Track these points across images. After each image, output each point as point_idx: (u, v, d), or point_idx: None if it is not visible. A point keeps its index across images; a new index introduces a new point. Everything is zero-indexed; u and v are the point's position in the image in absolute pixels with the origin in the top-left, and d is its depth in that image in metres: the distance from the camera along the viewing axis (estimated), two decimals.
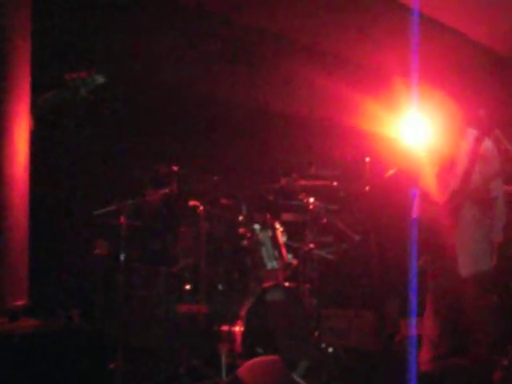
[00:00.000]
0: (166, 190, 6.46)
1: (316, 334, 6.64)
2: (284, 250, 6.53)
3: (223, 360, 5.75)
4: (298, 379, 5.44)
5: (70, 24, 6.53)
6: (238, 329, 5.93)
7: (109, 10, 6.61)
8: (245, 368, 4.76)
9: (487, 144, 5.44)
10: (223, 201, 6.79)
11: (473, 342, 5.55)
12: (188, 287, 6.23)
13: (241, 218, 6.63)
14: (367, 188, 8.13)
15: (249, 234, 6.48)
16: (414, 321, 6.93)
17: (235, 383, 4.63)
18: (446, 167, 5.54)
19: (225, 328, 6.03)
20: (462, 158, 5.45)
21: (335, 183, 7.37)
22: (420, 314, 6.20)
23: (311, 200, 6.99)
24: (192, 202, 6.45)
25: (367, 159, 8.31)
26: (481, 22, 7.37)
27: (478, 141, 5.36)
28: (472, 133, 5.47)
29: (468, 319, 5.56)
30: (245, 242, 6.48)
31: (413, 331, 7.03)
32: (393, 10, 7.09)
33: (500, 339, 5.83)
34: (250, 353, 5.65)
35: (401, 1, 6.96)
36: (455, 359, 5.71)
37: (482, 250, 5.51)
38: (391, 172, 6.06)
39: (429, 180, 5.60)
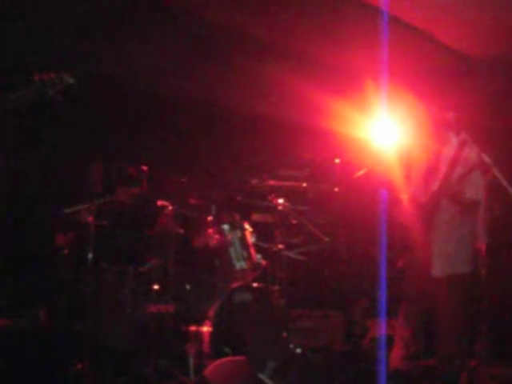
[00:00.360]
0: (135, 190, 6.42)
1: (284, 334, 6.63)
2: (253, 251, 6.51)
3: (191, 360, 5.72)
4: (265, 380, 5.42)
5: (40, 24, 6.49)
6: (205, 329, 5.90)
7: (77, 8, 6.56)
8: (212, 369, 4.74)
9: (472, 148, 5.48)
10: (192, 201, 6.75)
11: (442, 343, 5.57)
12: (156, 287, 6.19)
13: (210, 218, 6.60)
14: (337, 189, 8.15)
15: (218, 235, 6.45)
16: (382, 321, 6.96)
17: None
18: (429, 170, 5.58)
19: (193, 328, 6.00)
20: (444, 161, 5.49)
21: (305, 184, 7.37)
22: (389, 315, 6.23)
23: (280, 201, 6.98)
24: (161, 202, 6.41)
25: (337, 160, 8.33)
26: (451, 25, 7.40)
27: (462, 145, 5.40)
28: (455, 138, 5.51)
29: (439, 320, 5.58)
30: (214, 243, 6.44)
31: (382, 332, 7.07)
32: (363, 11, 7.10)
33: (468, 341, 5.88)
34: (218, 353, 5.62)
35: (371, 3, 6.97)
36: (425, 360, 5.74)
37: (460, 252, 5.54)
38: (361, 173, 6.08)
39: (398, 180, 5.62)
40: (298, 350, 6.65)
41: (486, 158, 5.02)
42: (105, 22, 6.78)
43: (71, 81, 4.81)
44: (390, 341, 6.47)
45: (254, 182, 7.29)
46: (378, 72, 8.86)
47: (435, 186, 5.49)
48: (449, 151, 5.52)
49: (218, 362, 4.85)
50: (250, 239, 6.57)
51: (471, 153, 5.32)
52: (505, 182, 4.90)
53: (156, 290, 6.19)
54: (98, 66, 6.98)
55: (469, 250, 5.60)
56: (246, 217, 7.19)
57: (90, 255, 5.89)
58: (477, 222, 5.59)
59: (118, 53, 7.05)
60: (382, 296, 6.12)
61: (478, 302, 5.01)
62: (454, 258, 5.53)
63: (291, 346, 6.63)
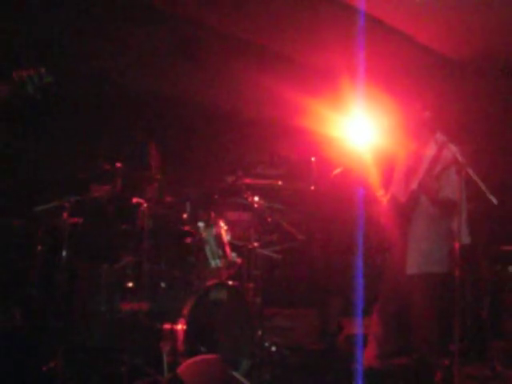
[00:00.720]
0: (110, 187, 6.38)
1: (259, 332, 6.63)
2: (228, 249, 6.49)
3: (165, 358, 5.69)
4: (239, 378, 5.41)
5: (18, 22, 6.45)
6: (180, 327, 5.88)
7: (55, 7, 6.53)
8: (185, 367, 4.72)
9: (452, 148, 5.50)
10: (167, 198, 6.72)
11: (416, 341, 5.59)
12: (130, 285, 6.16)
13: (185, 215, 6.58)
14: (313, 187, 8.16)
15: (193, 232, 6.43)
16: (357, 320, 6.97)
17: (175, 382, 4.58)
18: (409, 169, 5.59)
19: (167, 326, 5.97)
20: (424, 161, 5.51)
21: (280, 182, 7.36)
22: (364, 313, 6.24)
23: (256, 199, 6.97)
24: (135, 199, 6.38)
25: (313, 159, 8.34)
26: (430, 26, 7.44)
27: (442, 147, 5.42)
28: (436, 140, 5.53)
29: (413, 318, 5.60)
30: (188, 240, 6.42)
31: (356, 330, 7.09)
32: (340, 11, 7.11)
33: (442, 340, 5.90)
34: (192, 351, 5.60)
35: (348, 2, 6.98)
36: (399, 358, 5.76)
37: (436, 251, 5.56)
38: (337, 171, 6.08)
39: (375, 179, 5.63)
40: (273, 348, 6.65)
41: (460, 158, 5.04)
42: (88, 21, 6.75)
43: (50, 78, 4.78)
44: (364, 339, 6.49)
45: (230, 179, 7.28)
46: (355, 71, 8.90)
47: (414, 184, 5.50)
48: (430, 151, 5.54)
49: (192, 359, 4.83)
50: (225, 237, 6.55)
51: (447, 152, 5.34)
52: (480, 182, 4.93)
53: (130, 288, 6.16)
54: (78, 63, 6.94)
55: (445, 249, 5.61)
56: (222, 215, 7.18)
57: (64, 253, 5.85)
58: (453, 222, 5.61)
59: (99, 51, 7.02)
60: (359, 294, 6.13)
61: (452, 300, 5.02)
62: (430, 257, 5.55)
63: (266, 344, 6.63)
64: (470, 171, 4.99)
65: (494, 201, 4.84)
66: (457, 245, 5.07)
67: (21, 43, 6.58)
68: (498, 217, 7.08)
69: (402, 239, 5.45)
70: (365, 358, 5.90)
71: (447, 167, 5.36)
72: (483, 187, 4.89)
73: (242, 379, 5.49)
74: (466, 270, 6.87)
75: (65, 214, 5.95)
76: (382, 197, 5.65)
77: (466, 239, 5.79)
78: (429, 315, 5.51)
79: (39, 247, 6.33)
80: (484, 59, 8.21)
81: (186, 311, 5.92)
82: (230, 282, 6.42)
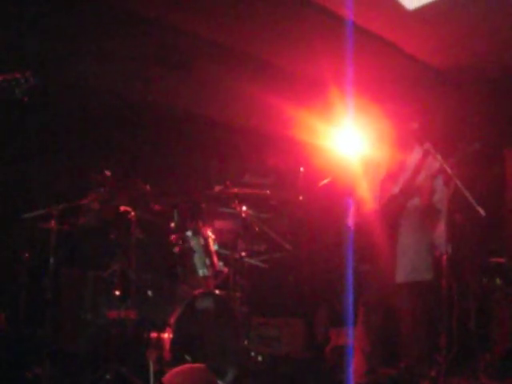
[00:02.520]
0: (98, 195, 6.36)
1: (246, 342, 6.63)
2: (215, 258, 6.49)
3: (151, 367, 5.67)
4: None
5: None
6: (166, 336, 5.87)
7: (41, 12, 6.51)
8: (170, 375, 4.71)
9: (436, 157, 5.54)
10: (155, 207, 6.71)
11: (404, 351, 5.58)
12: (117, 293, 6.14)
13: (173, 224, 6.57)
14: (301, 197, 8.17)
15: (180, 241, 6.42)
16: (345, 330, 6.98)
17: None
18: (388, 177, 5.60)
19: (154, 335, 5.96)
20: (407, 170, 5.52)
21: (268, 192, 7.36)
22: (351, 324, 6.24)
23: (244, 208, 6.98)
24: (123, 208, 6.36)
25: (301, 168, 8.35)
26: (417, 36, 7.46)
27: (426, 155, 5.44)
28: (419, 147, 5.55)
29: (399, 328, 5.59)
30: (176, 249, 6.41)
31: (344, 341, 7.09)
32: (328, 20, 7.12)
33: (429, 350, 5.90)
34: (178, 360, 5.59)
35: (336, 12, 7.00)
36: (385, 369, 5.75)
37: (422, 259, 5.57)
38: (325, 181, 6.09)
39: (363, 189, 5.64)
40: (260, 358, 6.65)
41: (448, 168, 5.05)
42: (67, 26, 6.73)
43: (35, 81, 4.76)
44: (351, 350, 6.49)
45: (218, 188, 7.27)
46: (342, 81, 8.93)
47: (395, 190, 5.50)
48: (412, 160, 5.56)
49: (178, 368, 4.82)
50: (213, 246, 6.55)
51: (434, 162, 5.35)
52: (466, 193, 4.94)
53: (117, 296, 6.14)
54: (60, 69, 6.92)
55: (429, 258, 5.63)
56: (209, 224, 7.17)
57: (51, 260, 5.82)
58: (438, 230, 5.64)
59: (80, 57, 7.00)
60: (347, 304, 6.13)
61: (439, 311, 5.03)
62: (418, 265, 5.55)
63: (252, 353, 6.63)
64: (458, 182, 5.01)
65: (482, 212, 4.86)
66: (444, 256, 5.08)
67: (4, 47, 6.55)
68: (486, 228, 7.11)
69: (389, 248, 5.45)
70: (354, 373, 5.87)
71: (432, 176, 5.36)
72: (471, 198, 4.91)
73: None
74: (453, 281, 6.89)
75: (52, 222, 5.93)
76: (369, 207, 5.64)
77: (447, 249, 5.85)
78: (417, 323, 5.50)
79: (26, 254, 6.32)
80: (473, 69, 8.25)
81: (172, 320, 5.91)
82: (217, 291, 6.42)
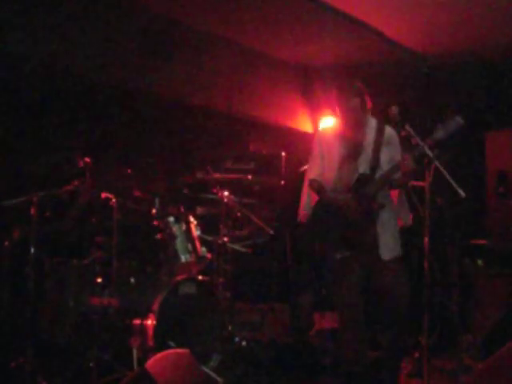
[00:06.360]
0: (79, 182, 6.33)
1: (229, 327, 6.64)
2: (198, 244, 6.48)
3: (135, 354, 5.68)
4: (208, 372, 5.41)
5: None
6: (149, 322, 5.87)
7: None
8: (153, 361, 4.68)
9: (390, 131, 5.54)
10: (136, 193, 6.69)
11: (386, 333, 5.59)
12: (100, 280, 6.13)
13: (154, 210, 6.55)
14: (282, 182, 8.17)
15: (162, 227, 6.41)
16: (328, 314, 7.00)
17: (143, 376, 4.54)
18: (349, 156, 5.60)
19: (137, 322, 5.96)
20: (366, 144, 5.53)
21: (250, 177, 7.36)
22: (334, 308, 6.25)
23: (225, 193, 6.98)
24: (104, 194, 6.34)
25: (283, 153, 8.34)
26: (396, 20, 7.46)
27: (380, 130, 5.47)
28: (372, 121, 5.56)
29: (382, 310, 5.58)
30: (158, 235, 6.40)
31: (328, 324, 7.11)
32: (309, 4, 7.11)
33: (412, 332, 5.93)
34: (162, 347, 5.58)
35: None
36: (370, 352, 5.76)
37: (396, 235, 5.59)
38: (307, 166, 6.07)
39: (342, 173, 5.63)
40: (243, 343, 6.66)
41: (428, 152, 5.05)
42: (49, 13, 6.68)
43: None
44: (334, 334, 6.50)
45: (199, 174, 7.27)
46: (323, 66, 8.94)
47: (362, 168, 5.49)
48: (370, 136, 5.55)
49: (161, 354, 4.80)
50: (195, 232, 6.54)
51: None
52: (448, 176, 4.94)
53: (99, 283, 6.13)
54: (42, 56, 6.86)
55: (399, 232, 5.67)
56: (191, 209, 7.16)
57: (32, 248, 5.79)
58: (401, 204, 5.75)
59: (61, 43, 6.94)
60: (330, 289, 6.14)
61: (422, 292, 5.04)
62: (398, 240, 5.58)
63: (236, 339, 6.64)
64: (439, 165, 5.00)
65: (462, 194, 4.85)
66: (426, 239, 5.07)
67: None
68: (467, 210, 7.14)
69: (370, 229, 5.46)
70: (338, 356, 5.87)
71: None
72: (451, 180, 4.90)
73: (212, 374, 5.49)
74: (434, 263, 6.93)
75: (33, 209, 5.89)
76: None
77: (408, 221, 5.91)
78: (404, 297, 5.50)
79: (6, 242, 6.28)
80: (459, 55, 8.27)
81: (155, 306, 5.91)
82: (200, 277, 6.42)
